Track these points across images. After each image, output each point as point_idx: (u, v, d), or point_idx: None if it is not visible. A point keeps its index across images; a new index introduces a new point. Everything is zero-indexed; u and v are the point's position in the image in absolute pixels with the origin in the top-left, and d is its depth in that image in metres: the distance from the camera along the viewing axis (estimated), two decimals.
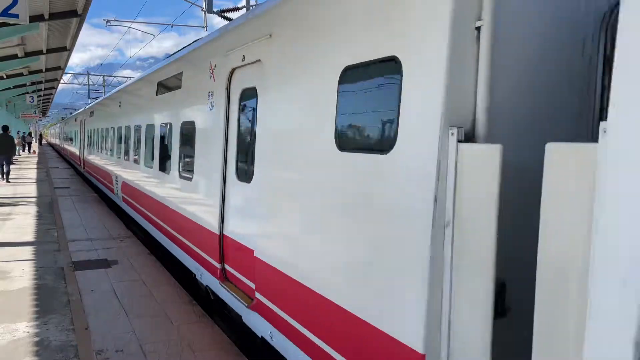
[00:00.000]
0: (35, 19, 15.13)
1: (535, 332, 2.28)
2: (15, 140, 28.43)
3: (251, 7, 13.04)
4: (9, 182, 20.97)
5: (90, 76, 52.76)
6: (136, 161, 11.45)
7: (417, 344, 2.90)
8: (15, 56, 21.44)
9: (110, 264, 8.83)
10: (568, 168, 2.16)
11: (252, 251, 5.12)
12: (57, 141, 57.53)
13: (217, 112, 6.28)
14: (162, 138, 9.07)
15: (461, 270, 2.75)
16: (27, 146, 48.99)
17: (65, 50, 22.51)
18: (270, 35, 4.85)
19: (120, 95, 14.83)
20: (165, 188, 8.73)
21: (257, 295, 5.00)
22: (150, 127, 9.99)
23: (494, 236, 2.54)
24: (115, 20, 25.81)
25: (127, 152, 12.65)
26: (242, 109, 5.70)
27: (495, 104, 2.79)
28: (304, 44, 4.29)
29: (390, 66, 3.20)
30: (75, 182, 23.03)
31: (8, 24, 14.34)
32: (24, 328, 5.86)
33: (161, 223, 9.10)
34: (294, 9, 4.52)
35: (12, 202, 15.65)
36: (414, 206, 2.93)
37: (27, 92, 38.79)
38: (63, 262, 8.83)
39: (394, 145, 3.09)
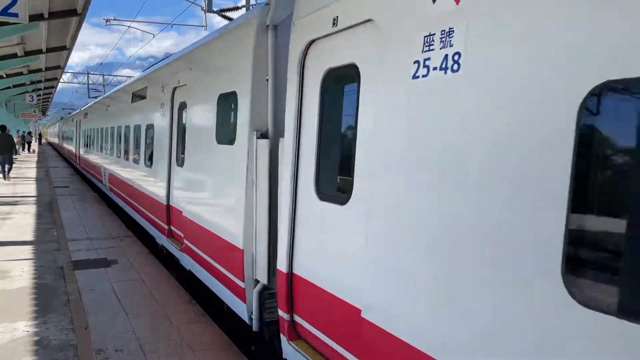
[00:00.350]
0: (35, 18, 15.11)
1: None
2: (15, 140, 28.72)
3: (251, 7, 13.03)
4: (10, 179, 21.46)
5: (90, 75, 52.72)
6: (117, 156, 14.04)
7: (239, 244, 5.52)
8: (15, 55, 21.43)
9: (110, 263, 8.82)
10: (264, 151, 5.08)
11: (182, 212, 7.69)
12: (56, 140, 61.54)
13: (166, 118, 8.78)
14: (134, 137, 11.73)
15: (258, 204, 5.22)
16: (27, 145, 49.00)
17: (65, 49, 22.50)
18: (190, 69, 7.53)
19: (107, 100, 17.40)
20: (136, 175, 11.39)
21: (185, 241, 7.53)
22: (127, 128, 12.69)
23: (267, 186, 5.08)
24: (115, 19, 25.78)
25: (111, 149, 15.15)
26: (180, 116, 8.19)
27: (274, 120, 5.21)
28: (204, 76, 6.97)
29: (234, 96, 5.83)
30: (74, 181, 23.02)
31: (8, 23, 14.32)
32: (23, 327, 5.86)
33: (134, 203, 11.61)
34: (199, 55, 7.32)
35: (12, 201, 15.64)
36: (240, 172, 5.49)
37: (27, 92, 38.78)
38: (63, 261, 8.82)
39: (235, 140, 5.71)
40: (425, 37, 2.96)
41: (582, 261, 2.13)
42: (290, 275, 4.50)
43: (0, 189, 18.49)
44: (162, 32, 28.67)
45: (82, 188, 20.27)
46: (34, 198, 16.57)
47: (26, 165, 31.38)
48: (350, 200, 3.65)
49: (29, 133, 59.68)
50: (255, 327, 5.28)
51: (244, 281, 5.40)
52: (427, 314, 2.87)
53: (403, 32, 3.13)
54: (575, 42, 2.14)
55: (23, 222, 12.27)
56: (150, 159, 9.95)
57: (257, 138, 5.19)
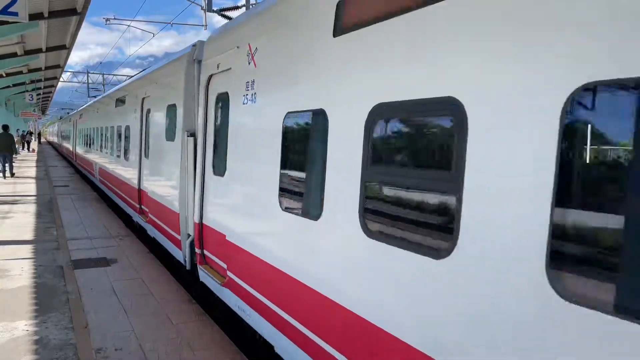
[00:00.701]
0: (35, 17, 15.10)
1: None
2: (15, 139, 28.76)
3: (251, 6, 13.02)
4: (14, 174, 22.81)
5: (89, 74, 52.66)
6: (104, 151, 16.80)
7: (176, 209, 7.81)
8: (14, 54, 21.41)
9: (109, 262, 8.83)
10: (190, 145, 7.32)
11: (147, 192, 10.24)
12: (54, 139, 66.08)
13: (138, 120, 11.39)
14: (117, 135, 14.21)
15: (187, 180, 7.30)
16: (26, 145, 48.93)
17: (65, 48, 22.49)
18: (151, 84, 10.36)
19: (97, 104, 20.45)
20: (117, 166, 14.03)
21: (150, 215, 9.98)
22: (112, 128, 15.18)
23: (192, 168, 7.13)
24: (114, 18, 25.76)
25: (100, 146, 17.92)
26: (147, 120, 10.59)
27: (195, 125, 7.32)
28: (159, 91, 9.43)
29: (174, 107, 8.15)
30: (74, 180, 23.01)
31: (7, 22, 14.31)
32: (23, 326, 5.86)
33: (117, 189, 14.13)
34: (156, 75, 9.89)
35: (12, 200, 15.64)
36: (177, 160, 7.75)
37: (27, 91, 38.74)
38: (62, 260, 8.83)
39: (175, 137, 8.01)
40: (246, 82, 5.48)
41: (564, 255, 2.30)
42: (201, 224, 6.95)
43: (0, 188, 18.49)
44: (162, 31, 28.63)
45: (81, 187, 20.26)
46: (34, 197, 16.56)
47: (26, 164, 31.37)
48: (225, 173, 6.02)
49: (29, 132, 59.62)
50: (188, 267, 7.66)
51: (180, 235, 7.86)
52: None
53: (240, 79, 5.64)
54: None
55: (23, 221, 12.27)
56: (126, 152, 12.78)
57: (187, 136, 7.50)
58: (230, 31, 6.22)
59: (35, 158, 38.35)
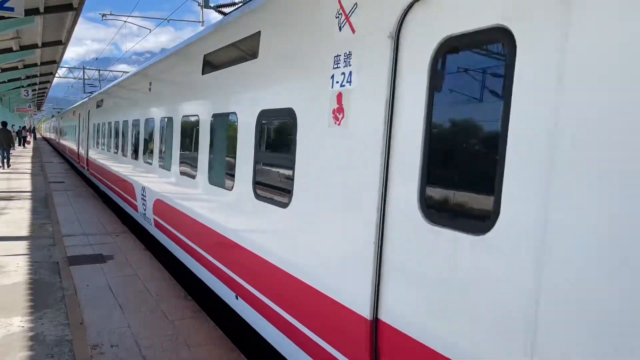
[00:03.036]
0: (31, 12, 15.01)
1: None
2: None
3: (248, 2, 12.97)
4: (10, 166, 25.22)
5: (85, 70, 52.42)
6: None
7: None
8: (10, 50, 21.28)
9: (105, 259, 8.81)
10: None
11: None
12: (47, 133, 71.96)
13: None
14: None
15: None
16: (22, 141, 48.62)
17: (61, 44, 22.37)
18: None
19: (80, 106, 25.45)
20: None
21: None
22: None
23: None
24: (111, 14, 25.67)
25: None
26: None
27: None
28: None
29: None
30: (70, 176, 22.94)
31: (3, 17, 14.24)
32: (18, 323, 5.85)
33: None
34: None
35: (7, 196, 15.58)
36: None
37: (22, 86, 38.54)
38: (58, 256, 8.81)
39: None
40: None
41: None
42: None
43: None
44: (158, 27, 28.55)
45: (77, 183, 20.20)
46: (29, 193, 16.51)
47: (21, 160, 31.23)
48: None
49: (24, 128, 59.28)
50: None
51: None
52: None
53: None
54: None
55: (18, 217, 12.23)
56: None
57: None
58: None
59: (31, 154, 38.18)
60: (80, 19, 18.11)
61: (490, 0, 2.51)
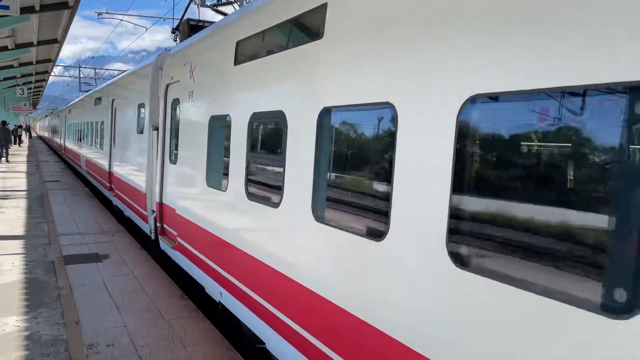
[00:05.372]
0: (26, 10, 14.94)
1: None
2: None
3: (245, 2, 12.97)
4: (9, 162, 27.62)
5: (81, 69, 52.23)
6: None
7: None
8: (5, 48, 21.18)
9: (101, 258, 8.80)
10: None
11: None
12: (45, 133, 71.36)
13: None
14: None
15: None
16: (17, 139, 48.35)
17: (56, 42, 22.27)
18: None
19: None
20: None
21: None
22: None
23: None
24: (107, 12, 25.59)
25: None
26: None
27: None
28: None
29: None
30: (65, 175, 22.87)
31: None
32: (14, 322, 5.84)
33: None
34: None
35: (2, 195, 15.52)
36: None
37: (17, 85, 38.33)
38: (53, 256, 8.79)
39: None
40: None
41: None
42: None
43: None
44: (154, 25, 28.47)
45: (73, 182, 20.14)
46: (25, 192, 16.45)
47: (16, 159, 31.10)
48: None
49: (20, 127, 58.96)
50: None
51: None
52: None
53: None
54: None
55: (13, 216, 12.19)
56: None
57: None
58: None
59: (26, 152, 38.02)
60: (75, 17, 18.04)
61: None
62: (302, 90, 4.22)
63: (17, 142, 48.61)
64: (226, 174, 5.68)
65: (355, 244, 3.51)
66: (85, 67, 53.45)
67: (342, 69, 3.71)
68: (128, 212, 11.39)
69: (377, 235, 3.32)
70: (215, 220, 6.03)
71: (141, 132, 9.96)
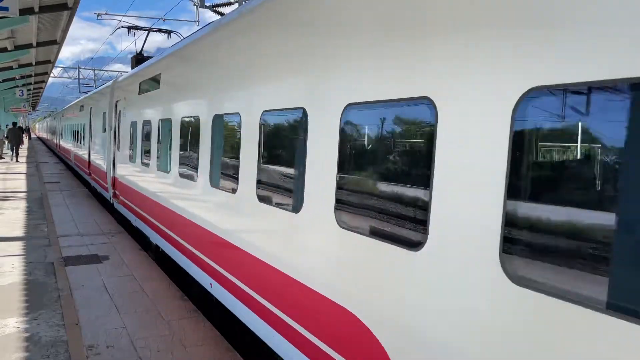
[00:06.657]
0: (25, 12, 14.95)
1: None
2: (4, 135, 32.93)
3: (244, 2, 12.98)
4: (19, 161, 29.67)
5: (80, 70, 52.19)
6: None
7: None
8: (4, 49, 21.20)
9: (101, 259, 8.80)
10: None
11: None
12: (40, 132, 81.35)
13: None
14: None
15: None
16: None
17: (56, 43, 22.29)
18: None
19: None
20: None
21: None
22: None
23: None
24: (106, 13, 25.57)
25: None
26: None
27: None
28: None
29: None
30: (65, 177, 22.87)
31: None
32: (14, 323, 5.84)
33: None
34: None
35: (2, 196, 15.52)
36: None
37: (17, 86, 38.35)
38: (53, 257, 8.79)
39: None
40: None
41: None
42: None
43: None
44: (154, 26, 28.44)
45: (72, 183, 20.14)
46: (24, 193, 16.45)
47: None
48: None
49: (20, 128, 58.86)
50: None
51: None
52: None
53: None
54: None
55: (13, 217, 12.19)
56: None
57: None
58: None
59: (26, 154, 38.02)
60: (75, 19, 18.05)
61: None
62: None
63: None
64: (147, 155, 9.40)
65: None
66: (84, 68, 53.43)
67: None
68: (99, 189, 15.73)
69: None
70: (137, 181, 10.28)
71: (104, 131, 14.60)
